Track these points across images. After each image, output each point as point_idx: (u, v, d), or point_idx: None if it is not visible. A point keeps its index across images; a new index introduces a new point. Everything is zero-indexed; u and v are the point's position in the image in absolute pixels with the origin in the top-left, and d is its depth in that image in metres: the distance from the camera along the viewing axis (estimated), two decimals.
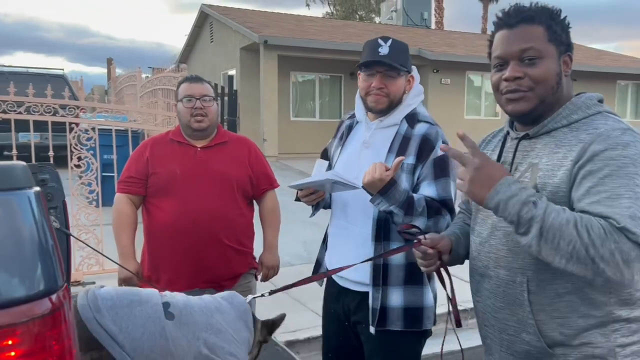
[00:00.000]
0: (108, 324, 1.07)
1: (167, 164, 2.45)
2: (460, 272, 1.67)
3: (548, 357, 1.33)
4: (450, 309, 1.58)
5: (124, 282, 2.46)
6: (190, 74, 2.64)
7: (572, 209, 1.23)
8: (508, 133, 1.48)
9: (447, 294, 1.57)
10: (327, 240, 2.12)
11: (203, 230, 2.37)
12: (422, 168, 1.85)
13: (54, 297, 0.63)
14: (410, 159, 1.85)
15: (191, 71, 5.74)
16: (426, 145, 1.86)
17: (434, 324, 1.95)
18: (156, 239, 2.45)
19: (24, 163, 0.66)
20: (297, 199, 1.99)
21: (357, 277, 1.92)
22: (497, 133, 1.58)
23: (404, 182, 1.83)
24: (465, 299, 4.85)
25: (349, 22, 21.12)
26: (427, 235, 1.53)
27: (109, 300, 1.12)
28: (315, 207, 2.07)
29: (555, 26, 1.34)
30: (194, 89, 2.46)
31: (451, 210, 1.85)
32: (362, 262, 1.75)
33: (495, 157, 1.47)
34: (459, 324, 1.57)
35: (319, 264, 2.15)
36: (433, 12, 22.38)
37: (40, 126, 4.98)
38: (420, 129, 1.89)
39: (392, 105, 1.92)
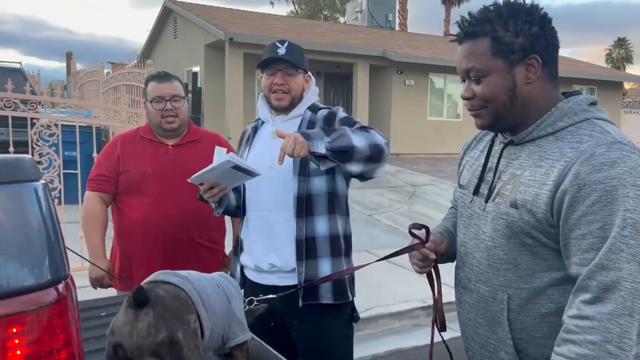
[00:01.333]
0: (200, 290, 1.24)
1: (138, 163, 2.42)
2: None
3: None
4: (436, 313, 1.53)
5: (96, 281, 2.43)
6: (158, 71, 2.59)
7: (548, 228, 1.21)
8: (497, 135, 1.41)
9: (434, 297, 1.53)
10: (242, 243, 2.10)
11: (175, 229, 2.35)
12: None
13: (60, 286, 0.65)
14: (317, 127, 1.92)
15: (154, 68, 5.67)
16: (330, 116, 2.00)
17: (354, 295, 2.04)
18: (128, 237, 2.43)
19: (31, 156, 0.67)
20: (200, 198, 1.96)
21: (282, 261, 1.93)
22: (489, 132, 1.48)
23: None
24: (429, 296, 4.91)
25: (314, 22, 21.18)
26: (430, 238, 1.48)
27: (188, 276, 1.29)
28: (219, 204, 2.03)
29: (504, 33, 1.23)
30: (164, 90, 2.41)
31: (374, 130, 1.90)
32: (378, 260, 1.78)
33: (482, 160, 1.41)
34: (443, 328, 1.53)
35: (242, 270, 2.09)
36: (397, 14, 22.69)
37: None
38: (322, 112, 2.04)
39: (294, 102, 2.04)
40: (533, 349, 1.28)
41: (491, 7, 1.27)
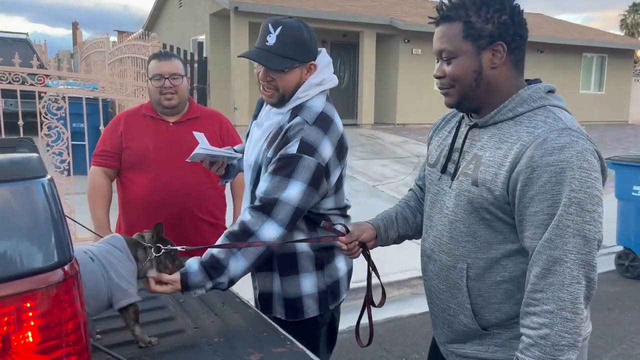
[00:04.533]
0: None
1: (140, 139, 2.52)
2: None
3: (483, 336, 1.44)
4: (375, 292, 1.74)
5: None
6: (160, 50, 2.68)
7: (504, 205, 1.31)
8: (463, 117, 1.51)
9: (367, 275, 1.71)
10: None
11: (176, 204, 2.46)
12: (272, 160, 1.71)
13: (66, 267, 0.76)
14: (270, 153, 1.73)
15: (160, 37, 5.72)
16: (283, 138, 1.71)
17: (325, 310, 1.85)
18: (131, 211, 2.54)
19: (38, 155, 0.77)
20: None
21: None
22: (457, 113, 1.59)
23: (196, 269, 1.61)
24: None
25: None
26: (350, 229, 1.65)
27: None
28: (224, 176, 2.13)
29: (476, 19, 1.31)
30: (163, 68, 2.49)
31: (272, 214, 1.64)
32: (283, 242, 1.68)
33: (449, 140, 1.51)
34: (372, 304, 1.73)
35: None
36: None
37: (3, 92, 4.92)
38: (289, 127, 1.71)
39: (285, 98, 1.76)
40: (488, 312, 1.41)
41: None
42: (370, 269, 1.72)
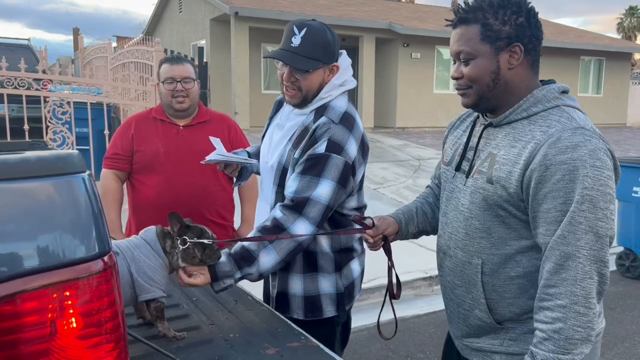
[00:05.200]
0: None
1: (151, 142, 2.55)
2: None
3: (498, 330, 1.47)
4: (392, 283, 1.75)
5: None
6: (172, 54, 2.73)
7: (519, 202, 1.34)
8: (478, 117, 1.54)
9: (388, 269, 1.73)
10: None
11: (186, 205, 2.49)
12: (299, 160, 1.74)
13: (105, 258, 0.80)
14: (297, 153, 1.75)
15: (161, 45, 5.77)
16: (311, 138, 1.74)
17: (341, 310, 1.88)
18: (142, 213, 2.58)
19: (78, 152, 0.82)
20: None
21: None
22: (472, 113, 1.61)
23: (224, 259, 1.63)
24: (431, 267, 5.09)
25: None
26: (376, 222, 1.68)
27: None
28: (238, 178, 2.14)
29: (493, 21, 1.35)
30: (175, 71, 2.54)
31: (304, 212, 1.67)
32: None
33: (464, 139, 1.55)
34: (393, 297, 1.74)
35: None
36: None
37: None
38: (316, 127, 1.75)
39: (307, 99, 1.80)
40: (502, 307, 1.45)
41: None
42: (390, 263, 1.73)
